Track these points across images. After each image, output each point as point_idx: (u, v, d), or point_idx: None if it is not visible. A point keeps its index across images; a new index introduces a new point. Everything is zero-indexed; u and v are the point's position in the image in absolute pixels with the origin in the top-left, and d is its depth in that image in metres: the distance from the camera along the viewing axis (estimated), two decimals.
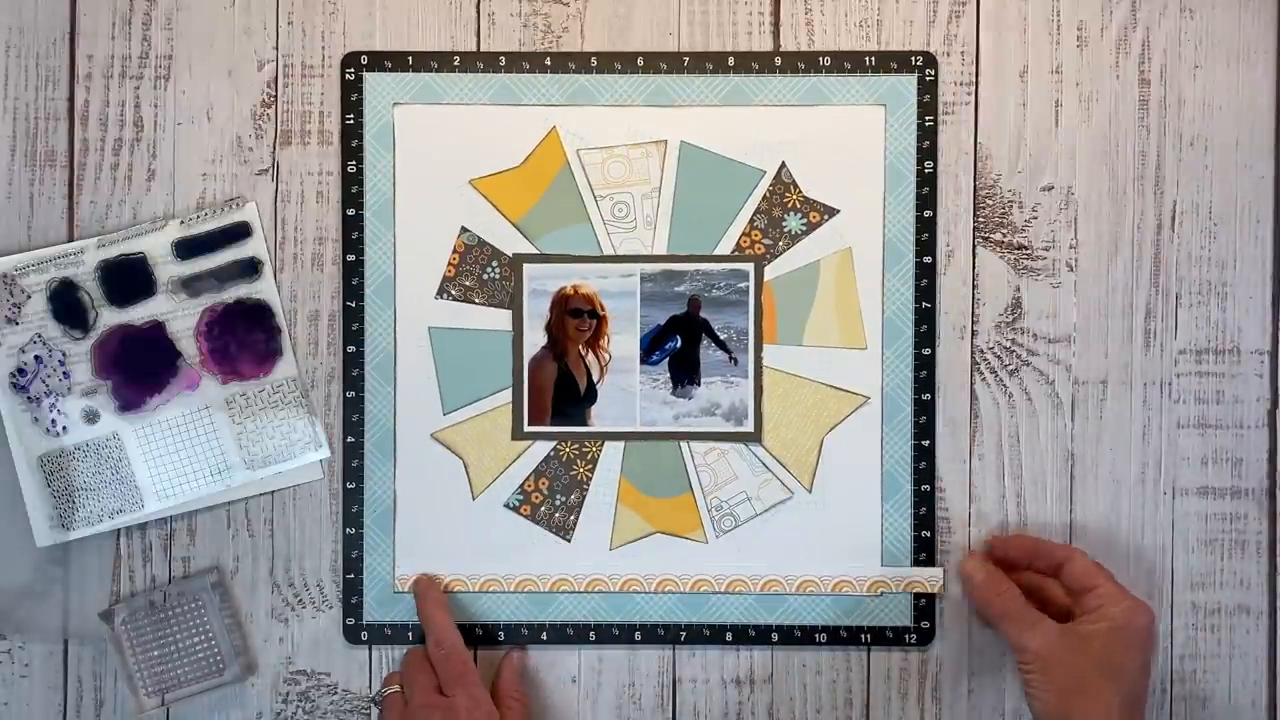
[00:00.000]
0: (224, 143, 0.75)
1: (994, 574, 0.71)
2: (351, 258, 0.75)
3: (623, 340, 0.76)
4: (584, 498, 0.75)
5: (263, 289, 0.75)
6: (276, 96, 0.76)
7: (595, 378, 0.76)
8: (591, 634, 0.75)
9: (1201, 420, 0.76)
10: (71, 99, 0.75)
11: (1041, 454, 0.76)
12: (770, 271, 0.75)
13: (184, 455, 0.74)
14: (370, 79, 0.75)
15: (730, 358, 0.75)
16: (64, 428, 0.74)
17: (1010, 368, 0.76)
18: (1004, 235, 0.76)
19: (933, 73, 0.75)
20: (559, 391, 0.75)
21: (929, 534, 0.75)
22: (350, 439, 0.75)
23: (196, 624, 0.74)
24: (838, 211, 0.75)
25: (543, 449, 0.76)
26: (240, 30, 0.76)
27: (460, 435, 0.75)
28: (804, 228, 0.75)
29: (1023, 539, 0.73)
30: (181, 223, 0.75)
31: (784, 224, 0.75)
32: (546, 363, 0.76)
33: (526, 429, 0.75)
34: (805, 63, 0.75)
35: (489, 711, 0.68)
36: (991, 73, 0.76)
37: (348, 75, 0.75)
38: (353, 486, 0.75)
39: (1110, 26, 0.76)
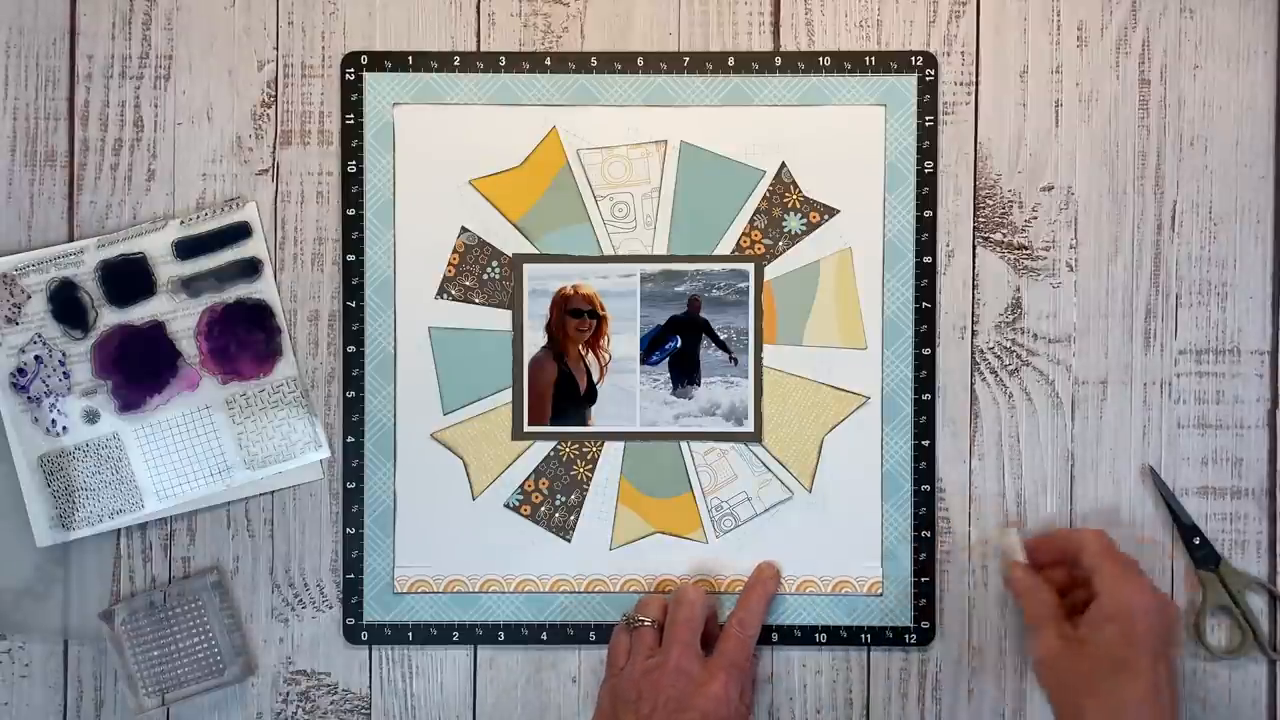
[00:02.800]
0: (224, 143, 0.75)
1: (1027, 583, 0.70)
2: (351, 258, 0.75)
3: (623, 340, 0.76)
4: (584, 498, 0.75)
5: (263, 289, 0.75)
6: (276, 96, 0.76)
7: (595, 378, 0.76)
8: (591, 634, 0.75)
9: (1201, 420, 0.76)
10: (71, 99, 0.75)
11: (1041, 454, 0.76)
12: (770, 271, 0.75)
13: (184, 455, 0.74)
14: (370, 79, 0.75)
15: (730, 358, 0.75)
16: (64, 428, 0.74)
17: (1010, 368, 0.76)
18: (1004, 235, 0.76)
19: (933, 73, 0.75)
20: (559, 391, 0.75)
21: (929, 534, 0.75)
22: (350, 439, 0.75)
23: (196, 624, 0.74)
24: (838, 211, 0.75)
25: (543, 449, 0.76)
26: (240, 30, 0.76)
27: (460, 435, 0.75)
28: (804, 228, 0.75)
29: (1045, 540, 0.72)
30: (181, 223, 0.75)
31: (784, 224, 0.75)
32: (546, 363, 0.76)
33: (526, 429, 0.75)
34: (805, 63, 0.75)
35: (732, 715, 0.67)
36: (991, 73, 0.76)
37: (348, 75, 0.75)
38: (353, 486, 0.75)
39: (1110, 26, 0.76)
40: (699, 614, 0.70)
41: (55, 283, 0.74)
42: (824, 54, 0.75)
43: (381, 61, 0.75)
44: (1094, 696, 0.64)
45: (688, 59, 0.75)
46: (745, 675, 0.70)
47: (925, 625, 0.75)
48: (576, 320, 0.76)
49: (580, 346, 0.76)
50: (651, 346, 0.76)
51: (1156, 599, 0.66)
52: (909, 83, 0.75)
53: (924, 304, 0.75)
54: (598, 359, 0.76)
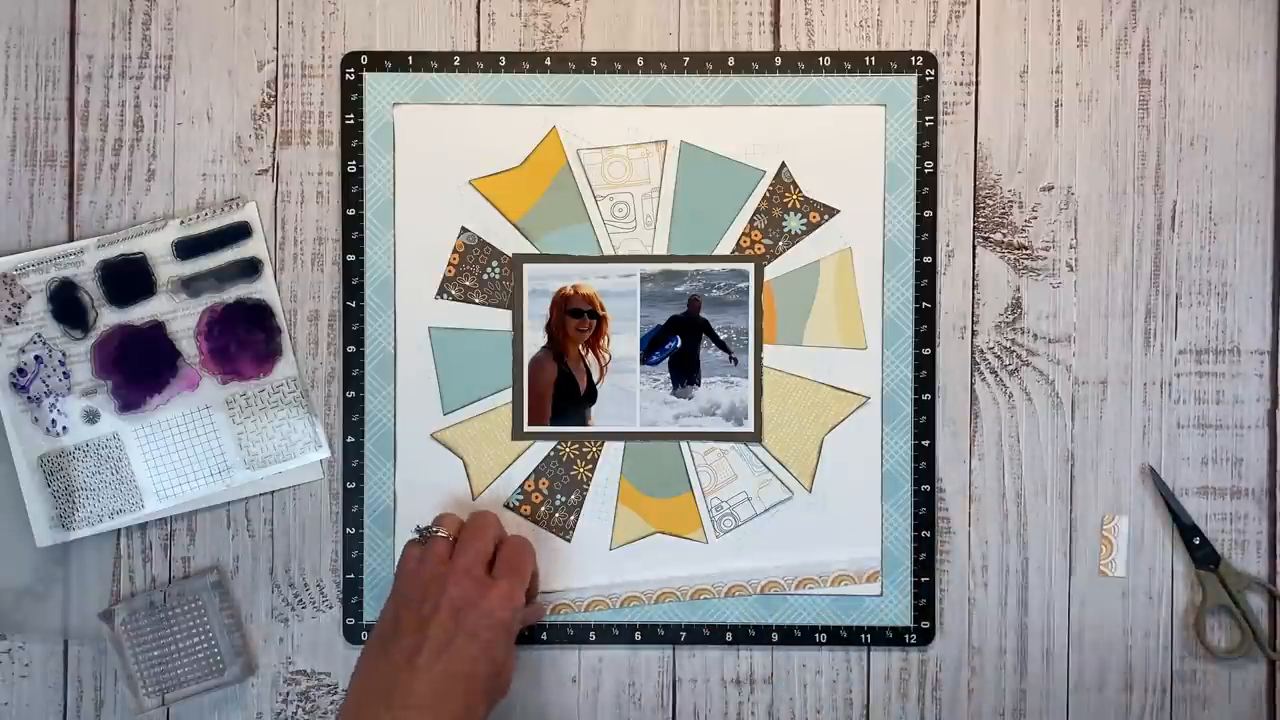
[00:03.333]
0: (224, 143, 0.75)
1: None
2: (351, 258, 0.75)
3: (623, 340, 0.76)
4: (584, 498, 0.75)
5: (263, 289, 0.75)
6: (276, 96, 0.76)
7: (595, 378, 0.76)
8: (591, 634, 0.75)
9: (1201, 420, 0.76)
10: (71, 99, 0.75)
11: (1041, 454, 0.76)
12: (770, 271, 0.75)
13: (184, 455, 0.74)
14: (370, 79, 0.75)
15: (730, 358, 0.75)
16: (64, 428, 0.74)
17: (1010, 368, 0.76)
18: (1004, 235, 0.76)
19: (933, 73, 0.75)
20: (559, 391, 0.75)
21: (929, 534, 0.75)
22: (350, 439, 0.75)
23: (196, 624, 0.74)
24: (838, 211, 0.75)
25: (543, 449, 0.76)
26: (240, 30, 0.76)
27: (460, 435, 0.75)
28: (804, 228, 0.75)
29: None
30: (181, 223, 0.75)
31: (784, 224, 0.75)
32: (546, 363, 0.76)
33: (526, 429, 0.75)
34: (805, 63, 0.75)
35: (511, 616, 0.66)
36: (991, 73, 0.76)
37: (348, 75, 0.75)
38: (353, 486, 0.75)
39: (1110, 26, 0.76)
40: (490, 532, 0.69)
41: (55, 283, 0.74)
42: (824, 54, 0.75)
43: (381, 61, 0.75)
44: None
45: (688, 59, 0.75)
46: (525, 585, 0.69)
47: (925, 625, 0.75)
48: (576, 320, 0.76)
49: (580, 346, 0.76)
50: (651, 346, 0.76)
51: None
52: (909, 83, 0.75)
53: (924, 304, 0.75)
54: (598, 359, 0.76)
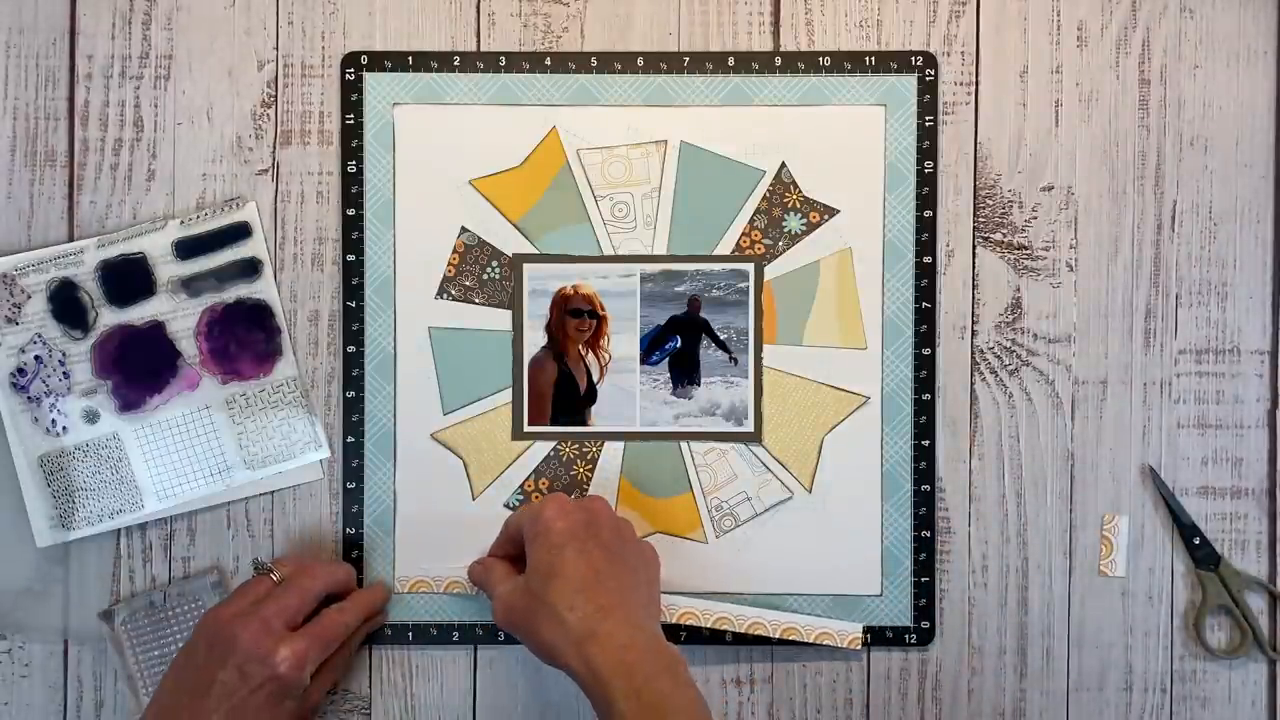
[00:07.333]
0: (224, 143, 0.75)
1: (478, 567, 0.73)
2: (351, 258, 0.75)
3: (623, 340, 0.76)
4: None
5: (263, 289, 0.75)
6: (276, 96, 0.76)
7: (595, 378, 0.76)
8: None
9: (1201, 420, 0.76)
10: (71, 99, 0.75)
11: (1041, 454, 0.76)
12: (770, 271, 0.75)
13: (184, 455, 0.74)
14: (370, 79, 0.75)
15: (730, 358, 0.75)
16: (64, 428, 0.74)
17: (1010, 368, 0.76)
18: (1004, 235, 0.76)
19: (933, 73, 0.75)
20: (559, 391, 0.75)
21: (929, 534, 0.75)
22: (350, 439, 0.75)
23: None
24: (838, 211, 0.75)
25: (543, 449, 0.76)
26: (240, 30, 0.76)
27: (460, 435, 0.75)
28: (804, 228, 0.75)
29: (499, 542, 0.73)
30: (181, 223, 0.75)
31: (784, 224, 0.75)
32: (546, 363, 0.76)
33: (526, 429, 0.75)
34: (805, 63, 0.75)
35: (293, 678, 0.65)
36: (991, 73, 0.76)
37: (348, 75, 0.75)
38: (353, 486, 0.75)
39: (1110, 26, 0.76)
40: (315, 588, 0.69)
41: (55, 283, 0.74)
42: (824, 54, 0.75)
43: (381, 61, 0.75)
44: (539, 612, 0.65)
45: (688, 59, 0.75)
46: (326, 653, 0.68)
47: (925, 625, 0.75)
48: (576, 320, 0.76)
49: (580, 346, 0.76)
50: (651, 346, 0.76)
51: (566, 503, 0.68)
52: (909, 83, 0.75)
53: (924, 304, 0.75)
54: (598, 359, 0.76)
